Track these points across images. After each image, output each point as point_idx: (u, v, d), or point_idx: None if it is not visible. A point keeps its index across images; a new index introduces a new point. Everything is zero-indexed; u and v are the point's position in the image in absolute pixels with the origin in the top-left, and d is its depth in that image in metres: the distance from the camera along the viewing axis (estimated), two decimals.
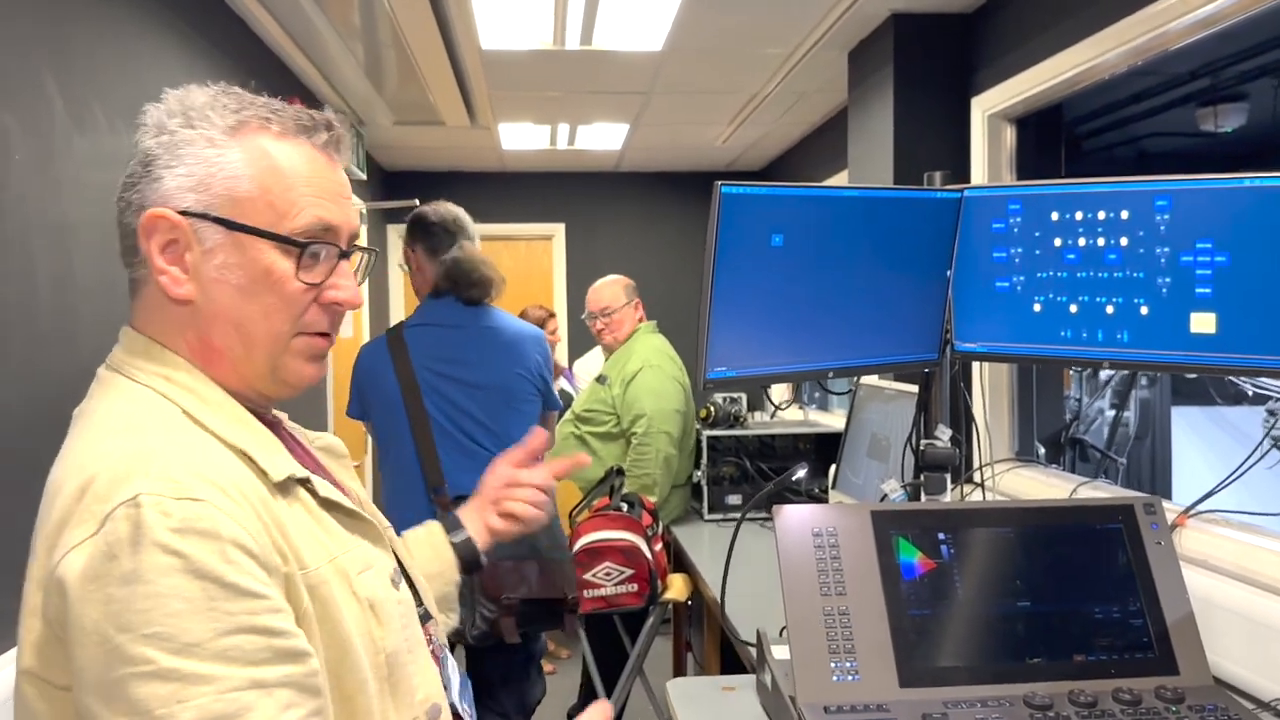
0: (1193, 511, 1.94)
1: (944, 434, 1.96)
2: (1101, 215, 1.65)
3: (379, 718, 0.92)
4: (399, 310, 5.97)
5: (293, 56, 3.49)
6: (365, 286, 1.20)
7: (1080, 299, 1.70)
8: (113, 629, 0.76)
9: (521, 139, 5.07)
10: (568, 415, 3.71)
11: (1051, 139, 2.96)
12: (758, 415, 5.19)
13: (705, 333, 1.51)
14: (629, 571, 2.90)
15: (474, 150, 5.40)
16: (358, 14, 3.14)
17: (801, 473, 1.72)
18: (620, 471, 3.28)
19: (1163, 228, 1.59)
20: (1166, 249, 1.59)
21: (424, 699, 0.98)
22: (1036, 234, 1.73)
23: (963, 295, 1.83)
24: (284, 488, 0.91)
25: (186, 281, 0.93)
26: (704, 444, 3.51)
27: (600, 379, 3.62)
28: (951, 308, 1.84)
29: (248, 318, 0.94)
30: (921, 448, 1.97)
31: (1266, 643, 1.65)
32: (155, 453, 0.83)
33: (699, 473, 3.54)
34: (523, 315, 5.08)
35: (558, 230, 6.12)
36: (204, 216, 0.92)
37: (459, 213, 2.78)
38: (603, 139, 5.11)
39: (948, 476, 1.97)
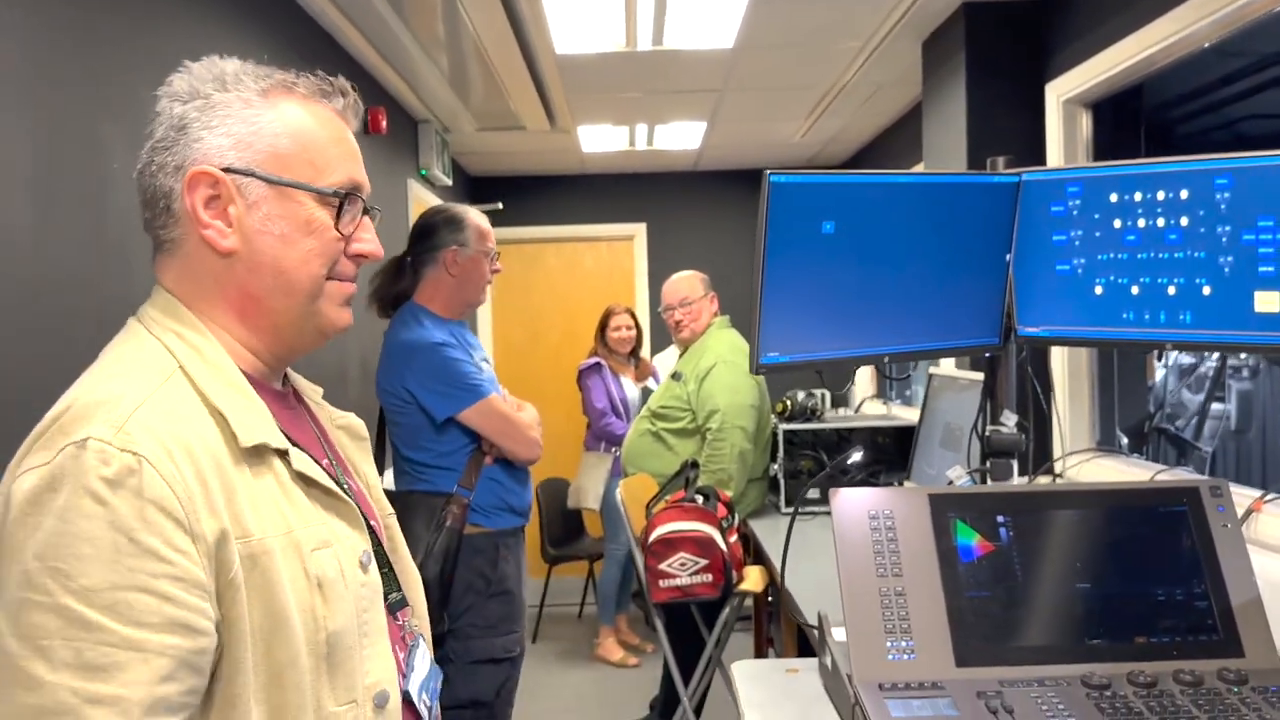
0: (1268, 497, 1.90)
1: (1009, 419, 1.96)
2: (1161, 195, 1.64)
3: (310, 693, 0.92)
4: (485, 312, 6.12)
5: (379, 68, 3.63)
6: None
7: (1141, 280, 1.68)
8: (31, 555, 0.80)
9: (601, 141, 5.16)
10: (643, 412, 3.77)
11: (1130, 123, 2.91)
12: (842, 410, 5.19)
13: (757, 318, 1.55)
14: (703, 562, 2.94)
15: (555, 153, 5.51)
16: (441, 26, 3.25)
17: (857, 456, 1.74)
18: (695, 464, 3.32)
19: (1223, 206, 1.57)
20: (1228, 228, 1.57)
21: (373, 683, 0.98)
22: (1096, 216, 1.72)
23: (1024, 279, 1.83)
24: (255, 454, 0.93)
25: (231, 234, 0.97)
26: (780, 437, 3.53)
27: (675, 375, 3.66)
28: (1013, 292, 1.84)
29: (290, 265, 0.98)
30: (987, 434, 1.97)
31: None
32: (123, 400, 0.86)
33: (775, 466, 3.56)
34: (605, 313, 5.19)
35: (639, 230, 6.20)
36: (248, 173, 0.97)
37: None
38: (680, 138, 5.17)
39: (1014, 463, 1.97)
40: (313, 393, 1.18)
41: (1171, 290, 1.65)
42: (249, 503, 0.90)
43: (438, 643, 1.29)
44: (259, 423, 0.95)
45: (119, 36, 1.94)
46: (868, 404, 5.02)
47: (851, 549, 1.59)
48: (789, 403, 3.64)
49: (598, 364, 5.11)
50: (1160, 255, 1.65)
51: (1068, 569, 1.59)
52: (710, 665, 3.28)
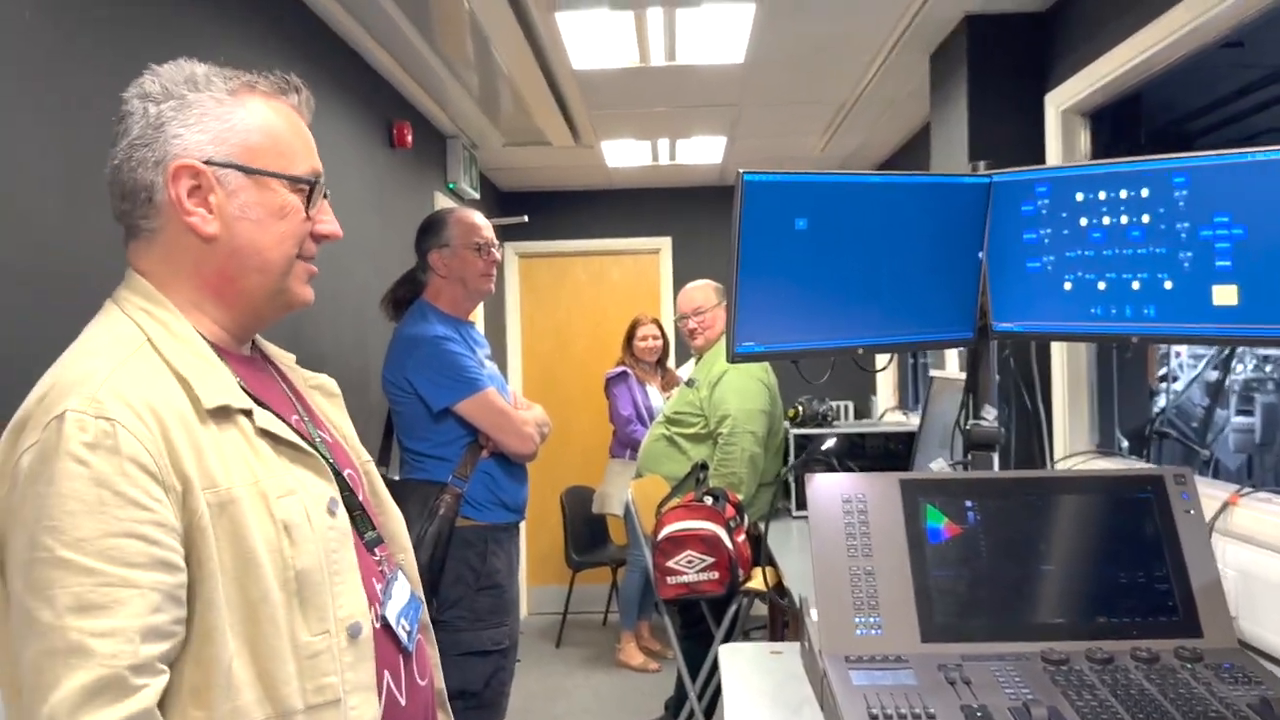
0: (1244, 491, 1.95)
1: (989, 414, 2.02)
2: (1123, 194, 1.71)
3: (284, 625, 1.03)
4: (514, 316, 6.26)
5: (405, 85, 3.78)
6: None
7: (1107, 276, 1.75)
8: (32, 519, 0.93)
9: (625, 156, 5.28)
10: (660, 418, 3.87)
11: (1130, 131, 2.96)
12: (867, 420, 5.25)
13: (734, 309, 1.64)
14: (710, 559, 3.03)
15: (582, 168, 5.63)
16: (464, 46, 3.39)
17: (830, 443, 1.82)
18: (704, 466, 3.41)
19: (1181, 204, 1.64)
20: (1186, 224, 1.64)
21: (346, 616, 1.08)
22: (1064, 215, 1.79)
23: (998, 277, 1.90)
24: (221, 414, 1.04)
25: (213, 220, 1.09)
26: (791, 442, 3.60)
27: (689, 382, 3.76)
28: (988, 289, 1.91)
29: (266, 246, 1.11)
30: (968, 427, 2.04)
31: None
32: (96, 374, 0.99)
33: (787, 470, 3.63)
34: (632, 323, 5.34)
35: (664, 244, 6.30)
36: (228, 165, 1.09)
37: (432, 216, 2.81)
38: (703, 153, 5.27)
39: (995, 456, 2.04)
40: (285, 358, 1.30)
41: (1135, 285, 1.72)
42: (217, 456, 1.02)
43: None
44: (222, 386, 1.06)
45: (147, 43, 2.08)
46: (889, 414, 5.08)
47: (825, 531, 1.67)
48: (800, 408, 3.71)
49: (624, 373, 5.22)
50: (1124, 252, 1.72)
51: (1033, 551, 1.65)
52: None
